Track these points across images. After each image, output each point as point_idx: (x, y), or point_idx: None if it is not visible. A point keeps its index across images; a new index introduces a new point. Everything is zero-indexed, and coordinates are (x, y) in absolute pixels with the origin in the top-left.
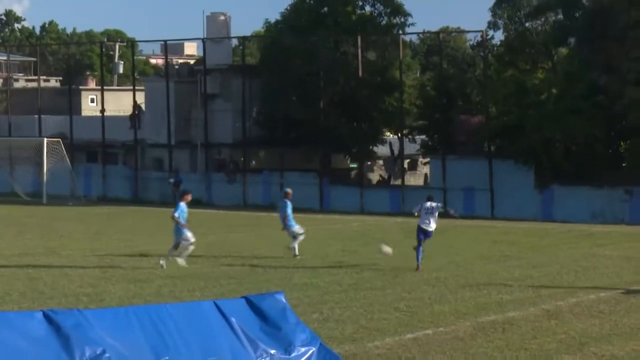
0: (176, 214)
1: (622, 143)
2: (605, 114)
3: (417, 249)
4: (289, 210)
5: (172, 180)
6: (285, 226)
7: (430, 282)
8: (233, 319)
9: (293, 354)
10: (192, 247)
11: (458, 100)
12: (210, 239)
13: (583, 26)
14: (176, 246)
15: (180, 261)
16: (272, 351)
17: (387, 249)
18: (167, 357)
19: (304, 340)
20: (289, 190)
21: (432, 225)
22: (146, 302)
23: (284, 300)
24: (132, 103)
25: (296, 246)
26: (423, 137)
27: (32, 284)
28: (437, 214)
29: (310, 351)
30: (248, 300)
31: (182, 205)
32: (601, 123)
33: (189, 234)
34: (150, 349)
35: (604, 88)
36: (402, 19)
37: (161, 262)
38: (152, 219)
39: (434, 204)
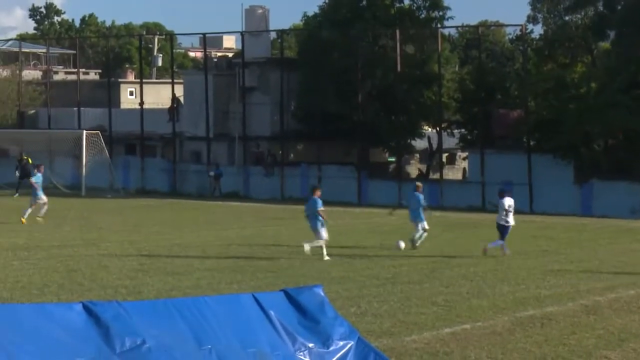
0: (322, 208)
1: None
2: None
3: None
4: (421, 203)
5: (212, 173)
6: (415, 218)
7: (468, 276)
8: (272, 312)
9: (331, 348)
10: (320, 243)
11: (497, 94)
12: (247, 232)
13: (623, 19)
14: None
15: (307, 248)
16: (311, 345)
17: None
18: (209, 346)
19: (342, 334)
20: (419, 183)
21: (511, 222)
22: (184, 295)
23: (322, 294)
24: (170, 96)
25: (418, 240)
26: (462, 130)
27: (70, 275)
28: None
29: (349, 345)
30: (286, 293)
31: (319, 199)
32: None
33: (324, 233)
34: (192, 337)
35: None
36: (441, 13)
37: (306, 247)
38: (190, 212)
39: (512, 202)
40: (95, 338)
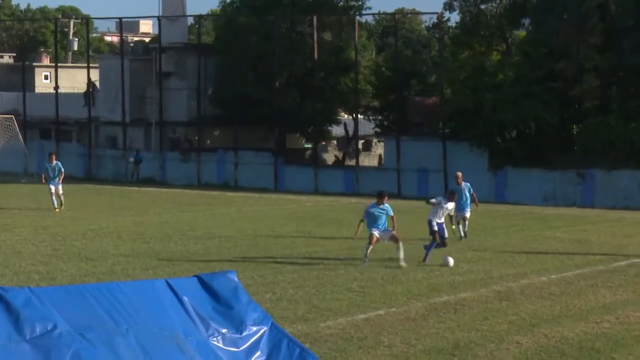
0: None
1: (574, 126)
2: (559, 98)
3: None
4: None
5: (132, 158)
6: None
7: (383, 263)
8: (185, 298)
9: (244, 333)
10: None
11: (413, 82)
12: (163, 218)
13: (538, 8)
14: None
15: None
16: (224, 330)
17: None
18: (126, 326)
19: (255, 319)
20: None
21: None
22: (99, 281)
23: (236, 280)
24: (86, 80)
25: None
26: (378, 117)
27: None
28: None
29: (262, 330)
30: (200, 279)
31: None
32: (555, 107)
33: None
34: (109, 320)
35: (560, 73)
36: (359, 1)
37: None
38: (105, 197)
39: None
40: (6, 324)
